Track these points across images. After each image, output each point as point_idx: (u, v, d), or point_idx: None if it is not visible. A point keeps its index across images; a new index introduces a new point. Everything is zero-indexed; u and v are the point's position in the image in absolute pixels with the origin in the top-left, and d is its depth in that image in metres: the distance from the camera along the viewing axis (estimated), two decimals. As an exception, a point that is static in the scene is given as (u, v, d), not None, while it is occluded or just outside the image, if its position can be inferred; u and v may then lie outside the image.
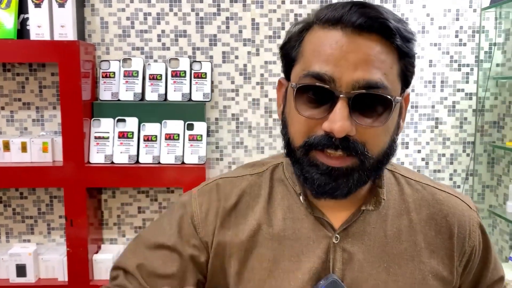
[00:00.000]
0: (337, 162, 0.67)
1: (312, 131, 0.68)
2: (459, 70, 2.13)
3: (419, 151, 2.16)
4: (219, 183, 0.82)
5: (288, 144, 0.73)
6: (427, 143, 2.16)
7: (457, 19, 2.10)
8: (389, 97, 0.66)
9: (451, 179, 2.18)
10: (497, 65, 2.11)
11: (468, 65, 2.12)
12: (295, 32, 0.72)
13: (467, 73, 2.13)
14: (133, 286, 0.77)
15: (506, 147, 1.97)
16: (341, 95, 0.65)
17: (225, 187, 0.81)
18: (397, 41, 0.66)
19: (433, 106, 2.14)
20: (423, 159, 2.16)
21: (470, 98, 2.14)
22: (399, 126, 0.73)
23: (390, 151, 0.72)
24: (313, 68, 0.66)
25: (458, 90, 2.14)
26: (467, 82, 2.13)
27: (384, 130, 0.69)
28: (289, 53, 0.73)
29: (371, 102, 0.67)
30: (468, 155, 2.16)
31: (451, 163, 2.17)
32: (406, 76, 0.71)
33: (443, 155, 2.17)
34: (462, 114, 2.15)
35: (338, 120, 0.64)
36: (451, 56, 2.12)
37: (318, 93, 0.67)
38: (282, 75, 0.78)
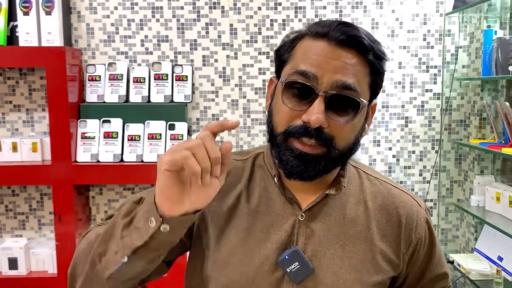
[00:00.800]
0: (309, 149, 0.80)
1: (292, 121, 0.81)
2: (427, 71, 2.24)
3: (390, 149, 2.28)
4: None
5: (271, 131, 0.85)
6: (398, 140, 2.28)
7: (425, 23, 2.22)
8: (358, 100, 0.80)
9: (420, 174, 2.30)
10: (463, 66, 2.23)
11: (435, 67, 2.24)
12: (289, 39, 0.86)
13: (435, 74, 2.25)
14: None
15: (470, 144, 2.09)
16: (320, 93, 0.78)
17: None
18: (370, 57, 0.81)
19: (403, 106, 2.26)
20: (394, 156, 2.28)
21: (438, 98, 2.26)
22: (364, 128, 0.87)
23: (353, 147, 0.85)
24: (300, 67, 0.80)
25: (427, 91, 2.26)
26: (435, 83, 2.25)
27: (351, 129, 0.82)
28: (282, 55, 0.86)
29: (344, 103, 0.80)
30: (436, 152, 2.28)
31: (421, 159, 2.29)
32: (375, 88, 0.85)
33: (413, 152, 2.29)
34: (431, 113, 2.27)
35: (315, 113, 0.77)
36: (419, 58, 2.24)
37: (302, 89, 0.80)
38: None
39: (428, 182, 2.30)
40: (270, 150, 0.90)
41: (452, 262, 2.17)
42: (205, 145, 0.72)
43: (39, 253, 2.12)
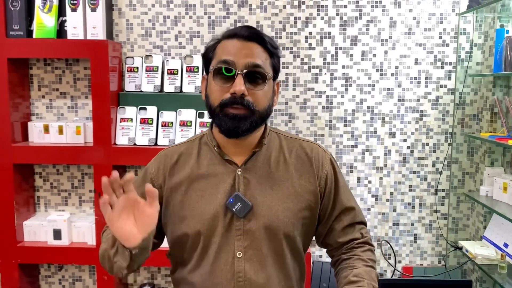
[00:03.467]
0: (238, 111, 1.12)
1: (223, 95, 1.13)
2: (442, 68, 2.37)
3: (405, 140, 2.42)
4: (168, 150, 1.27)
5: (210, 108, 1.17)
6: (412, 133, 2.41)
7: (441, 22, 2.34)
8: (265, 73, 1.15)
9: (433, 165, 2.43)
10: (477, 63, 2.35)
11: (450, 64, 2.36)
12: (211, 44, 1.20)
13: (449, 71, 2.37)
14: None
15: (481, 137, 2.21)
16: (238, 72, 1.12)
17: (170, 152, 1.26)
18: (268, 46, 1.17)
19: (418, 100, 2.39)
20: (408, 148, 2.42)
21: (452, 93, 2.38)
22: (273, 99, 1.20)
23: (269, 110, 1.18)
24: (222, 57, 1.14)
25: (441, 86, 2.38)
26: (449, 79, 2.37)
27: (264, 94, 1.15)
28: (207, 56, 1.19)
29: (256, 77, 1.13)
30: (449, 144, 2.41)
31: (434, 151, 2.42)
32: (275, 68, 1.20)
33: (427, 144, 2.42)
34: (445, 108, 2.39)
35: (237, 85, 1.11)
36: (435, 55, 2.36)
37: (225, 72, 1.13)
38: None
39: (441, 173, 2.43)
40: (210, 129, 1.23)
41: (460, 248, 2.30)
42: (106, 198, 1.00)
43: (80, 226, 2.35)
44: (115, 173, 0.98)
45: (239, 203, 1.15)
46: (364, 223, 1.30)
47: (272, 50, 1.17)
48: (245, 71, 1.12)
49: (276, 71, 1.20)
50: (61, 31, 2.27)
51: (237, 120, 1.12)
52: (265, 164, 1.21)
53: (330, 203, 1.24)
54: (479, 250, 2.16)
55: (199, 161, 1.21)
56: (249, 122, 1.13)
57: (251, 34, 1.14)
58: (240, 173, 1.18)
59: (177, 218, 1.20)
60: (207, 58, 1.19)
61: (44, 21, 2.23)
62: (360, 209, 1.30)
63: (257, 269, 1.16)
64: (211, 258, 1.17)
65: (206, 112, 2.26)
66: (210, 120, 1.21)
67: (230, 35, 1.15)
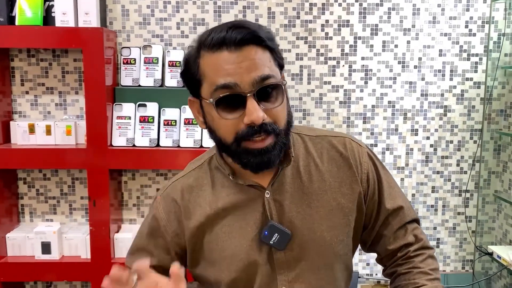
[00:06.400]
0: (262, 143, 0.89)
1: (237, 128, 0.89)
2: (468, 59, 2.19)
3: (428, 138, 2.23)
4: (174, 185, 1.05)
5: (220, 143, 0.94)
6: (436, 130, 2.23)
7: (467, 10, 2.16)
8: (279, 82, 0.90)
9: (458, 165, 2.25)
10: (506, 55, 2.18)
11: (477, 55, 2.19)
12: (190, 61, 0.93)
13: (476, 63, 2.20)
14: None
15: (513, 134, 2.05)
16: (248, 94, 0.86)
17: (177, 188, 1.04)
18: (267, 43, 0.90)
19: (442, 95, 2.21)
20: (431, 146, 2.24)
21: (478, 87, 2.21)
22: (288, 101, 0.97)
23: (290, 120, 0.95)
24: (219, 82, 0.87)
25: (467, 79, 2.21)
26: (475, 71, 2.20)
27: (283, 107, 0.92)
28: (192, 78, 0.93)
29: (269, 91, 0.89)
30: (475, 142, 2.24)
31: (459, 149, 2.25)
32: (280, 64, 0.94)
33: (451, 141, 2.24)
34: (470, 103, 2.22)
35: (253, 112, 0.86)
36: (460, 46, 2.18)
37: (231, 99, 0.88)
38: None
39: (465, 172, 2.26)
40: (218, 152, 1.01)
41: (491, 254, 2.14)
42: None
43: (72, 238, 2.09)
44: (116, 271, 0.76)
45: (276, 234, 0.96)
46: (417, 220, 1.10)
47: (271, 45, 0.91)
48: (254, 89, 0.86)
49: (281, 67, 0.95)
50: (48, 17, 1.99)
51: (264, 154, 0.90)
52: (295, 178, 1.00)
53: (375, 206, 1.05)
54: (514, 256, 1.99)
55: (216, 193, 1.00)
56: (279, 148, 0.91)
57: (245, 36, 0.87)
58: (268, 196, 0.98)
59: (206, 263, 1.02)
60: (192, 80, 0.93)
61: (28, 6, 1.95)
62: (409, 204, 1.09)
63: None
64: None
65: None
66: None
67: (215, 44, 0.88)
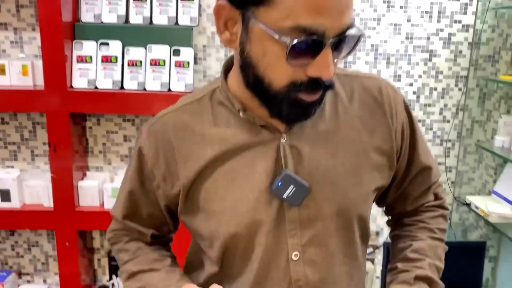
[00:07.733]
0: (316, 96, 0.73)
1: (296, 76, 0.70)
2: (458, 0, 2.04)
3: (411, 84, 2.12)
4: (164, 121, 0.86)
5: (257, 82, 0.73)
6: (420, 76, 2.11)
7: None
8: (362, 33, 0.70)
9: (441, 113, 2.16)
10: (498, -5, 2.04)
11: (467, -5, 2.04)
12: None
13: (466, 4, 2.05)
14: (129, 238, 0.94)
15: (500, 80, 1.94)
16: (329, 43, 0.67)
17: (168, 122, 0.85)
18: None
19: (428, 38, 2.07)
20: (414, 93, 2.13)
21: (467, 30, 2.08)
22: None
23: None
24: (304, 21, 0.65)
25: (455, 22, 2.07)
26: (465, 13, 2.06)
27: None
28: None
29: (347, 41, 0.70)
30: (460, 89, 2.13)
31: (442, 97, 2.14)
32: None
33: (435, 89, 2.13)
34: (457, 47, 2.09)
35: (326, 66, 0.68)
36: (450, -16, 2.03)
37: (308, 44, 0.67)
38: None
39: (448, 121, 2.16)
40: (223, 79, 0.83)
41: (468, 205, 2.09)
42: None
43: (33, 186, 1.98)
44: None
45: (292, 186, 0.78)
46: (439, 180, 0.98)
47: None
48: (336, 38, 0.67)
49: None
50: None
51: (312, 106, 0.74)
52: (319, 122, 0.81)
53: (405, 162, 0.90)
54: (492, 207, 1.94)
55: (219, 132, 0.82)
56: (322, 101, 0.76)
57: None
58: (284, 141, 0.80)
59: (201, 214, 0.84)
60: None
61: None
62: (436, 164, 0.96)
63: (323, 272, 0.83)
64: (255, 265, 0.83)
65: (182, 49, 1.88)
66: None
67: None
